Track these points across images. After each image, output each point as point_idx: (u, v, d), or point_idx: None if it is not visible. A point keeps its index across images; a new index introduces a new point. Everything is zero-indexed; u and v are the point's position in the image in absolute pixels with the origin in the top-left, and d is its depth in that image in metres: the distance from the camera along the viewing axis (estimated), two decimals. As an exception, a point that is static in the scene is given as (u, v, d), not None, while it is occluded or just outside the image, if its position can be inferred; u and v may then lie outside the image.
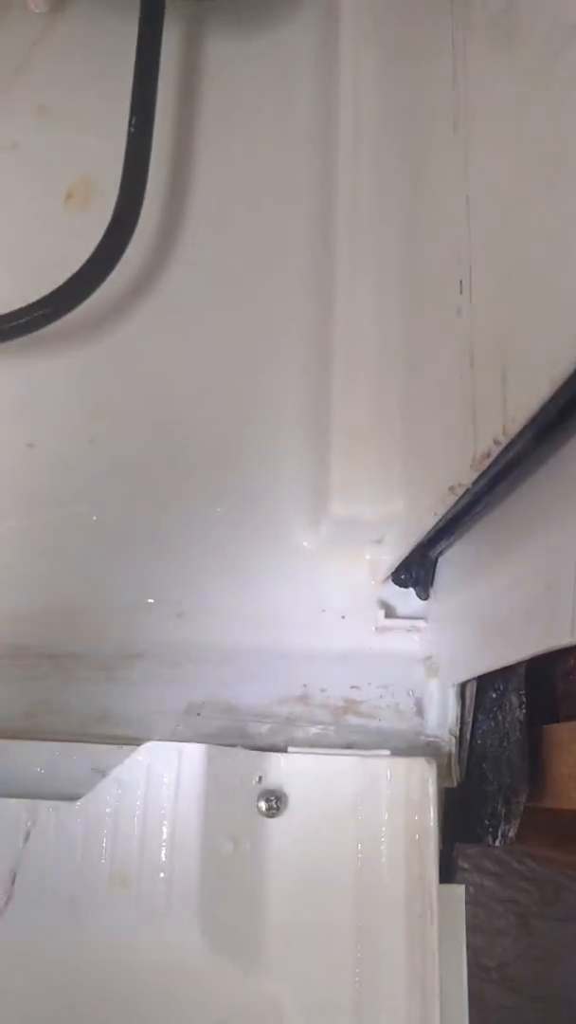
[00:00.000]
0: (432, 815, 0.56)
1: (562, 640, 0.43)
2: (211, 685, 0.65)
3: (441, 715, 0.64)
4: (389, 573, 0.66)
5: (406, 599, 0.68)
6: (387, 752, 0.58)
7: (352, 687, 0.66)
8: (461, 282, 0.49)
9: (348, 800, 0.57)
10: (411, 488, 0.59)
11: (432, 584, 0.66)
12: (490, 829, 0.59)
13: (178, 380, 0.72)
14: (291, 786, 0.58)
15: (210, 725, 0.64)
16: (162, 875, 0.54)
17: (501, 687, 0.60)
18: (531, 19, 0.42)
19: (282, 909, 0.55)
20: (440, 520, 0.53)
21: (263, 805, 0.57)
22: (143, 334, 0.73)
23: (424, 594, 0.66)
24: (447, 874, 0.60)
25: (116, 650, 0.67)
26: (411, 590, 0.67)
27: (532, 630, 0.48)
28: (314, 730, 0.63)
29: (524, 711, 0.58)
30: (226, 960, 0.54)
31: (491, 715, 0.61)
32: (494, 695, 0.61)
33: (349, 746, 0.63)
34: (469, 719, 0.63)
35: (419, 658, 0.66)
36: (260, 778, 0.58)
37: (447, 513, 0.52)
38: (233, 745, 0.59)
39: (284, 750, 0.60)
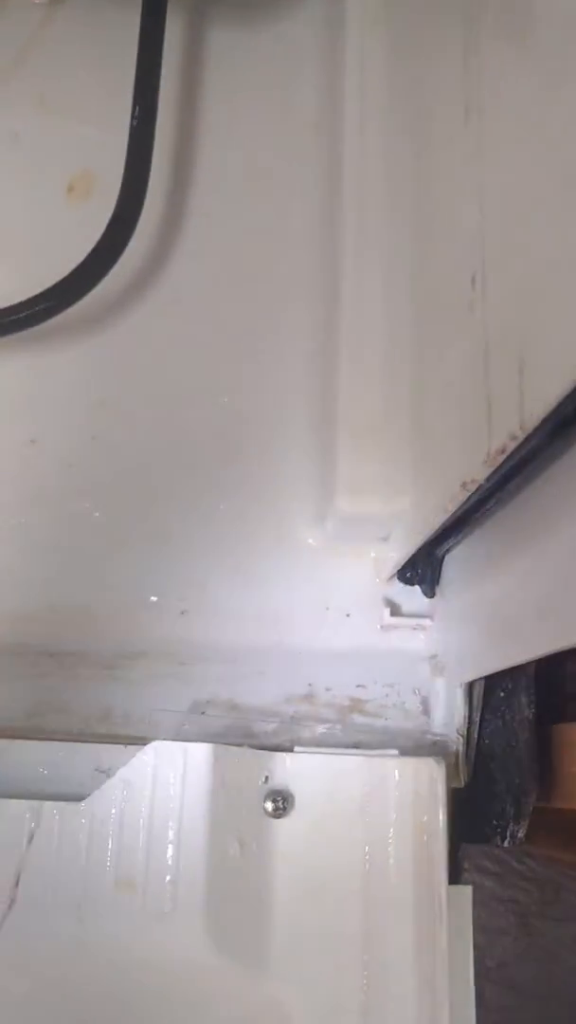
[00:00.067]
0: (441, 815, 0.55)
1: (576, 639, 0.42)
2: (215, 683, 0.65)
3: (447, 714, 0.63)
4: (395, 571, 0.65)
5: (411, 597, 0.67)
6: (395, 752, 0.58)
7: (358, 686, 0.65)
8: (474, 276, 0.48)
9: (355, 800, 0.56)
10: (419, 484, 0.58)
11: (438, 582, 0.65)
12: (498, 829, 0.59)
13: (182, 374, 0.71)
14: (298, 786, 0.57)
15: (215, 724, 0.63)
16: (168, 877, 0.53)
17: (509, 686, 0.60)
18: (547, 6, 0.42)
19: (289, 911, 0.55)
20: (449, 517, 0.53)
21: (269, 805, 0.56)
22: (146, 328, 0.72)
23: (430, 592, 0.65)
24: (453, 875, 0.60)
25: (119, 648, 0.66)
26: (417, 588, 0.66)
27: (545, 628, 0.47)
28: (320, 729, 0.63)
29: (533, 710, 0.57)
30: (233, 963, 0.53)
31: (499, 714, 0.61)
32: (502, 694, 0.61)
33: (356, 745, 0.62)
34: (476, 718, 0.62)
35: (425, 657, 0.65)
36: (266, 778, 0.57)
37: (457, 510, 0.51)
38: (239, 744, 0.58)
39: (290, 749, 0.59)
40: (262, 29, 0.79)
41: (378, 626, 0.66)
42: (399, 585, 0.67)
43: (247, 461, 0.69)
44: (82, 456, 0.70)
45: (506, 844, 0.58)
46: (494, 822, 0.59)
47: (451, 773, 0.60)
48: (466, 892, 0.60)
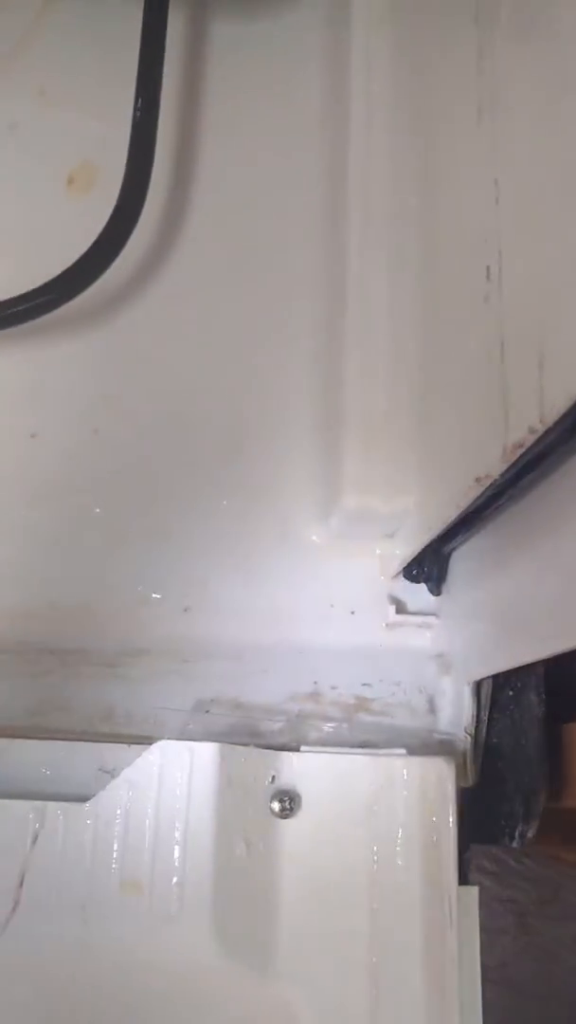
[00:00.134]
0: (451, 816, 0.55)
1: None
2: (219, 682, 0.64)
3: (455, 713, 0.62)
4: (400, 568, 0.64)
5: (417, 595, 0.66)
6: (403, 751, 0.57)
7: (363, 684, 0.64)
8: (488, 268, 0.47)
9: (363, 800, 0.56)
10: (428, 480, 0.58)
11: (444, 579, 0.64)
12: (507, 829, 0.58)
13: (184, 369, 0.70)
14: (304, 786, 0.56)
15: (219, 723, 0.62)
16: (175, 878, 0.53)
17: (519, 685, 0.59)
18: (563, 3, 0.41)
19: (296, 912, 0.54)
20: (460, 513, 0.52)
21: (276, 806, 0.55)
22: (148, 322, 0.71)
23: (437, 590, 0.64)
24: (461, 875, 0.59)
25: (121, 646, 0.65)
26: (422, 586, 0.66)
27: (557, 626, 0.47)
28: (327, 727, 0.62)
29: (543, 709, 0.57)
30: (239, 965, 0.52)
31: (508, 713, 0.60)
32: (511, 692, 0.60)
33: (363, 745, 0.61)
34: (484, 717, 0.61)
35: (431, 655, 0.65)
36: (273, 778, 0.56)
37: (469, 506, 0.50)
38: (244, 744, 0.58)
39: (297, 749, 0.58)
40: (266, 22, 0.78)
41: (383, 624, 0.66)
42: (404, 582, 0.66)
43: (251, 456, 0.68)
44: (83, 451, 0.69)
45: (515, 844, 0.57)
46: (502, 822, 0.58)
47: (459, 772, 0.59)
48: (472, 893, 0.59)
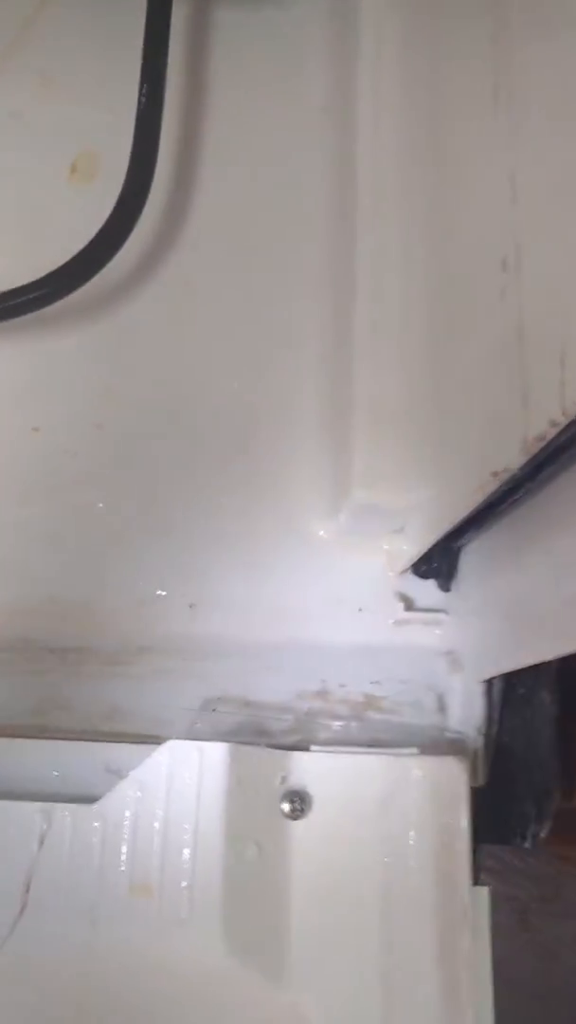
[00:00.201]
0: (464, 816, 0.54)
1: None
2: (225, 680, 0.63)
3: (465, 711, 0.62)
4: (409, 564, 0.63)
5: (425, 591, 0.65)
6: (415, 750, 0.56)
7: (372, 682, 0.63)
8: (505, 260, 0.46)
9: (375, 800, 0.55)
10: (440, 474, 0.57)
11: (454, 576, 0.63)
12: (518, 830, 0.57)
13: (189, 362, 0.69)
14: (315, 786, 0.55)
15: (226, 722, 0.61)
16: (185, 881, 0.52)
17: (531, 683, 0.58)
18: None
19: (307, 916, 0.53)
20: (475, 508, 0.51)
21: (286, 807, 0.54)
22: (153, 314, 0.70)
23: (446, 586, 0.63)
24: (472, 876, 0.58)
25: (124, 644, 0.64)
26: (431, 582, 0.65)
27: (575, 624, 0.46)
28: (336, 725, 0.61)
29: (556, 708, 0.56)
30: (250, 969, 0.52)
31: (519, 712, 0.59)
32: (522, 691, 0.59)
33: (373, 744, 0.60)
34: (495, 716, 0.60)
35: (440, 652, 0.64)
36: (283, 778, 0.55)
37: (484, 500, 0.49)
38: (254, 743, 0.57)
39: (307, 748, 0.57)
40: (270, 10, 0.77)
41: (391, 621, 0.65)
42: (412, 579, 0.65)
43: (257, 450, 0.67)
44: (86, 445, 0.67)
45: (527, 845, 0.56)
46: (513, 822, 0.58)
47: (469, 772, 0.58)
48: (483, 894, 0.58)
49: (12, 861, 0.52)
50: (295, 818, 0.54)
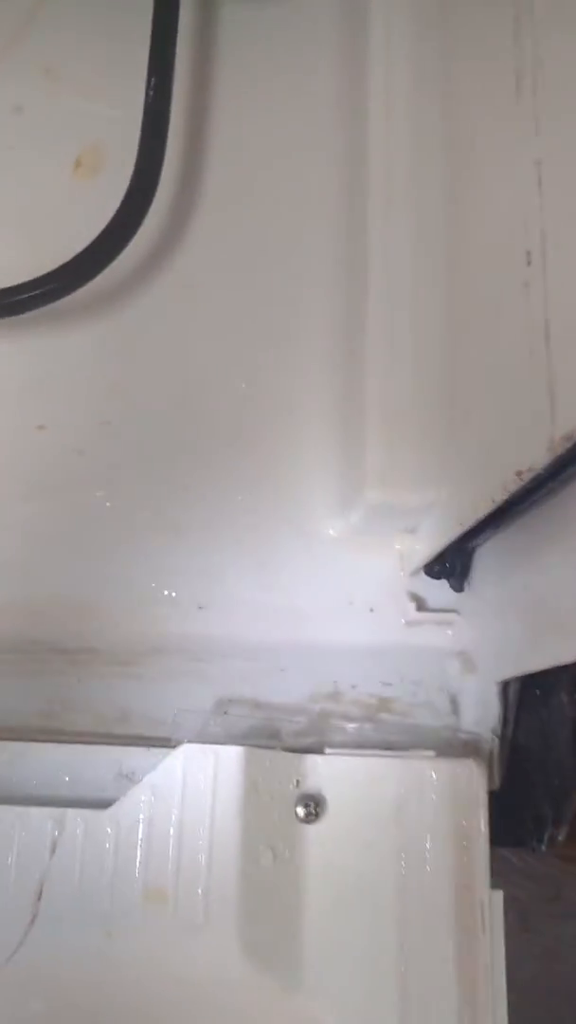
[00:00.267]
0: (482, 819, 0.53)
1: None
2: (236, 681, 0.62)
3: (479, 713, 0.61)
4: (422, 564, 0.62)
5: (437, 591, 0.64)
6: (431, 752, 0.55)
7: (384, 683, 0.62)
8: (529, 252, 0.45)
9: (390, 804, 0.54)
10: (457, 473, 0.56)
11: (468, 575, 0.63)
12: (535, 833, 0.56)
13: (197, 358, 0.68)
14: (329, 790, 0.54)
15: (239, 724, 0.60)
16: (200, 887, 0.51)
17: (548, 684, 0.58)
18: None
19: (322, 922, 0.52)
20: (494, 507, 0.50)
21: (301, 811, 0.53)
22: (160, 310, 0.69)
23: (459, 586, 0.63)
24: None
25: (134, 645, 0.63)
26: (443, 582, 0.64)
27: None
28: (351, 727, 0.60)
29: (574, 709, 0.55)
30: (265, 977, 0.51)
31: (535, 713, 0.58)
32: (538, 692, 0.59)
33: (387, 746, 0.59)
34: (511, 718, 0.60)
35: (453, 653, 0.63)
36: (298, 782, 0.54)
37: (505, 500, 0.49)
38: (267, 746, 0.56)
39: (321, 751, 0.56)
40: (279, 3, 0.76)
41: (403, 621, 0.64)
42: (424, 579, 0.64)
43: (266, 448, 0.66)
44: (93, 443, 0.66)
45: (543, 848, 0.56)
46: (530, 825, 0.57)
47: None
48: (498, 897, 0.58)
49: (23, 869, 0.51)
50: (310, 822, 0.53)
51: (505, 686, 0.60)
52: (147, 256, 0.69)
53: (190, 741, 0.55)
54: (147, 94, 0.65)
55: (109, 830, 0.52)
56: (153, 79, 0.65)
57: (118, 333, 0.68)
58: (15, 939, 0.50)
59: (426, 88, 0.63)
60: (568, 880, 1.17)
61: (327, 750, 0.56)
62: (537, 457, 0.43)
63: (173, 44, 0.67)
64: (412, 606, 0.64)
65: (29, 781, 0.56)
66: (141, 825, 0.52)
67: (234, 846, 0.51)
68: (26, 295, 0.62)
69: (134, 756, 0.57)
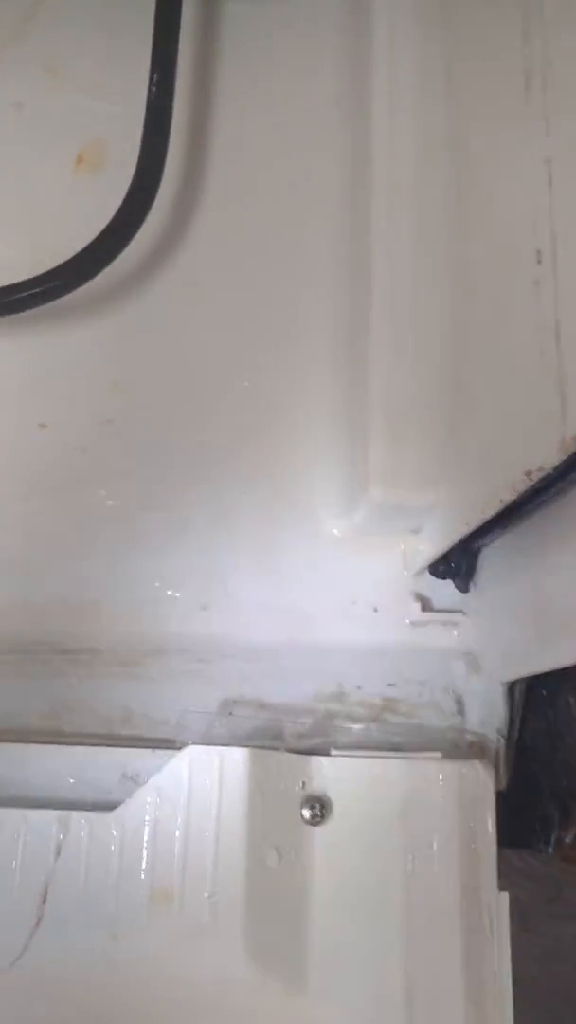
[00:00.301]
0: (490, 821, 0.53)
1: None
2: (240, 682, 0.62)
3: (485, 714, 0.60)
4: (426, 564, 0.62)
5: (442, 591, 0.64)
6: (438, 754, 0.55)
7: (389, 684, 0.62)
8: (539, 251, 0.45)
9: (396, 806, 0.54)
10: (463, 473, 0.55)
11: (473, 575, 0.62)
12: (541, 834, 0.56)
13: (201, 355, 0.68)
14: (335, 791, 0.54)
15: (243, 725, 0.60)
16: (205, 889, 0.50)
17: (554, 685, 0.57)
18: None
19: (328, 924, 0.52)
20: (502, 507, 0.50)
21: (307, 812, 0.53)
22: (164, 307, 0.68)
23: (464, 587, 0.62)
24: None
25: (136, 645, 0.63)
26: (448, 582, 0.63)
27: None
28: (356, 728, 0.60)
29: (581, 710, 0.55)
30: (271, 979, 0.50)
31: (542, 714, 0.58)
32: (544, 693, 0.58)
33: (393, 747, 0.59)
34: (517, 719, 0.59)
35: (458, 654, 0.63)
36: (303, 783, 0.54)
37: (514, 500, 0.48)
38: (272, 748, 0.55)
39: (326, 752, 0.56)
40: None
41: (407, 621, 0.64)
42: (428, 578, 0.64)
43: (269, 447, 0.66)
44: (95, 441, 0.66)
45: (551, 851, 0.55)
46: (536, 827, 0.57)
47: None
48: (504, 899, 0.57)
49: (28, 872, 0.51)
50: (315, 824, 0.53)
51: (511, 687, 0.59)
52: (149, 254, 0.68)
53: (195, 743, 0.54)
54: (149, 90, 0.65)
55: (114, 832, 0.51)
56: (156, 75, 0.65)
57: (120, 331, 0.68)
58: (20, 942, 0.49)
59: (430, 85, 0.63)
60: (569, 880, 1.17)
61: (333, 751, 0.56)
62: (547, 457, 0.43)
63: (176, 39, 0.66)
64: (417, 606, 0.63)
65: (33, 783, 0.56)
66: (147, 827, 0.51)
67: (240, 848, 0.51)
68: (26, 293, 0.61)
69: (138, 758, 0.57)
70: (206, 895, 0.50)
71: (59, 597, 0.64)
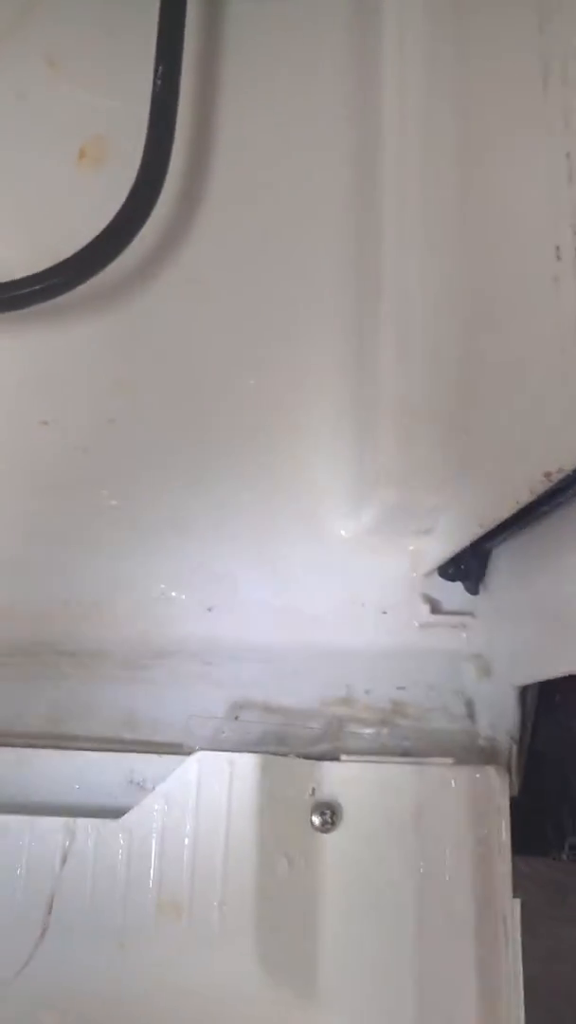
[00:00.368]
0: (504, 828, 0.52)
1: None
2: (247, 686, 0.61)
3: (495, 718, 0.60)
4: (437, 566, 0.61)
5: (451, 593, 0.63)
6: (450, 760, 0.54)
7: (398, 688, 0.61)
8: (559, 247, 0.44)
9: (408, 812, 0.53)
10: (476, 473, 0.54)
11: (483, 577, 0.61)
12: (556, 841, 0.55)
13: (204, 354, 0.66)
14: (345, 797, 0.53)
15: (252, 730, 0.59)
16: (215, 899, 0.49)
17: (568, 688, 0.56)
18: None
19: (339, 932, 0.51)
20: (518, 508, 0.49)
21: (317, 819, 0.52)
22: (167, 305, 0.67)
23: (475, 589, 0.61)
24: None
25: (141, 648, 0.62)
26: (457, 584, 0.62)
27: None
28: (366, 732, 0.58)
29: (596, 715, 0.54)
30: (282, 991, 0.49)
31: (556, 719, 0.57)
32: (558, 697, 0.57)
33: (404, 752, 0.58)
34: (529, 724, 0.58)
35: (468, 656, 0.62)
36: (313, 790, 0.53)
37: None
38: (281, 753, 0.54)
39: (336, 757, 0.55)
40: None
41: (416, 624, 0.62)
42: (437, 580, 0.63)
43: (275, 447, 0.65)
44: (98, 440, 0.65)
45: (565, 857, 0.54)
46: (550, 834, 0.56)
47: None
48: (516, 906, 0.56)
49: (33, 880, 0.49)
50: (326, 831, 0.52)
51: (523, 691, 0.58)
52: (153, 250, 0.67)
53: (202, 748, 0.53)
54: (155, 84, 0.63)
55: (122, 840, 0.50)
56: (161, 67, 0.64)
57: (123, 329, 0.66)
58: (25, 953, 0.48)
59: (441, 80, 0.62)
60: (573, 884, 1.16)
61: (342, 756, 0.55)
62: (568, 457, 0.42)
63: (181, 32, 0.65)
64: (426, 608, 0.62)
65: (37, 789, 0.55)
66: (155, 834, 0.50)
67: (250, 856, 0.50)
68: (27, 290, 0.60)
69: (144, 763, 0.56)
70: (216, 904, 0.49)
71: (61, 598, 0.63)
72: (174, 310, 0.67)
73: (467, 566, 0.61)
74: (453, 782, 0.53)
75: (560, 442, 0.42)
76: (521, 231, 0.49)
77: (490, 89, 0.55)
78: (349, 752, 0.56)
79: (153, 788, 0.52)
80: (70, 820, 0.50)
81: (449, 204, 0.59)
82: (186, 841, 0.50)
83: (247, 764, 0.52)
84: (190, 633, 0.62)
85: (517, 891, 1.08)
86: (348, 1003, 0.50)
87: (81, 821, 0.50)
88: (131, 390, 0.66)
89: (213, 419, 0.65)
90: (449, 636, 0.62)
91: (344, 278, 0.67)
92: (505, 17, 0.53)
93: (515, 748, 0.58)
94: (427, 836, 0.52)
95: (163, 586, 0.63)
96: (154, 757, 0.55)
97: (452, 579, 0.62)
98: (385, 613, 0.63)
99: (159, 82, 0.64)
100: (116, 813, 0.52)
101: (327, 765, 0.54)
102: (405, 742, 0.59)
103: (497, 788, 0.52)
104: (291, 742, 0.58)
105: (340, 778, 0.53)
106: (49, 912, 0.49)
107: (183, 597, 0.63)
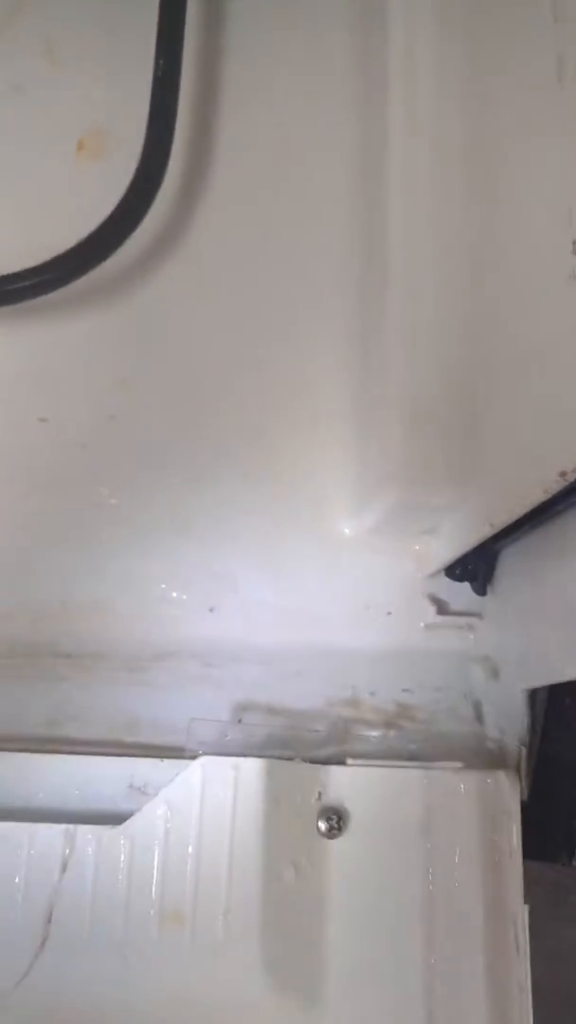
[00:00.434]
0: (515, 834, 0.51)
1: None
2: (250, 688, 0.59)
3: (504, 721, 0.58)
4: (443, 566, 0.60)
5: (458, 593, 0.62)
6: (459, 764, 0.53)
7: (404, 690, 0.60)
8: (575, 243, 0.43)
9: (416, 817, 0.52)
10: (485, 472, 0.53)
11: (491, 578, 0.60)
12: (564, 847, 0.54)
13: (206, 350, 0.65)
14: (352, 802, 0.52)
15: (256, 733, 0.57)
16: (220, 908, 0.48)
17: (578, 691, 0.55)
18: None
19: (346, 940, 0.50)
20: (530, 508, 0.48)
21: (323, 825, 0.51)
22: (167, 299, 0.66)
23: (482, 589, 0.60)
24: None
25: (142, 649, 0.61)
26: (464, 584, 0.61)
27: None
28: (374, 735, 0.57)
29: (607, 719, 0.53)
30: (289, 1000, 0.48)
31: (564, 721, 0.56)
32: (568, 700, 0.56)
33: (411, 756, 0.57)
34: (538, 727, 0.57)
35: (476, 658, 0.61)
36: (319, 794, 0.52)
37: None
38: (286, 757, 0.53)
39: (342, 761, 0.54)
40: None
41: (422, 625, 0.62)
42: (443, 581, 0.61)
43: (278, 444, 0.64)
44: (98, 437, 0.64)
45: (574, 863, 0.53)
46: (559, 839, 0.55)
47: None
48: (525, 912, 0.55)
49: (32, 889, 0.48)
50: (332, 837, 0.51)
51: (533, 694, 0.57)
52: (153, 243, 0.66)
53: (206, 752, 0.52)
54: (155, 74, 0.62)
55: (123, 847, 0.49)
56: (161, 61, 0.62)
57: (123, 325, 0.65)
58: (24, 964, 0.47)
59: (450, 74, 0.60)
60: (573, 885, 1.15)
61: (349, 760, 0.54)
62: (586, 456, 0.41)
63: (181, 26, 0.64)
64: (432, 609, 0.62)
65: (36, 794, 0.53)
66: (157, 842, 0.49)
67: (255, 863, 0.49)
68: (20, 285, 0.59)
69: (146, 767, 0.54)
70: (220, 913, 0.48)
71: (60, 598, 0.62)
72: (175, 306, 0.66)
73: (474, 566, 0.60)
74: (463, 787, 0.52)
75: (574, 441, 0.41)
76: (533, 228, 0.48)
77: (502, 85, 0.54)
78: (355, 755, 0.55)
79: (155, 793, 0.51)
80: (70, 827, 0.49)
81: (457, 203, 0.58)
82: (190, 848, 0.49)
83: (252, 769, 0.50)
84: (191, 634, 0.61)
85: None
86: (356, 1011, 0.49)
87: (81, 828, 0.49)
88: (131, 388, 0.65)
89: (214, 416, 0.64)
90: (456, 637, 0.61)
91: (345, 277, 0.66)
92: (517, 10, 0.52)
93: (524, 752, 0.57)
94: (436, 842, 0.51)
95: (164, 586, 0.62)
96: (155, 761, 0.54)
97: (459, 579, 0.61)
98: (390, 614, 0.62)
99: (159, 76, 0.63)
100: (117, 819, 0.51)
101: (333, 769, 0.53)
102: (412, 745, 0.58)
103: (508, 793, 0.51)
104: (296, 746, 0.57)
105: (347, 783, 0.52)
106: (49, 922, 0.47)
107: (184, 597, 0.61)
